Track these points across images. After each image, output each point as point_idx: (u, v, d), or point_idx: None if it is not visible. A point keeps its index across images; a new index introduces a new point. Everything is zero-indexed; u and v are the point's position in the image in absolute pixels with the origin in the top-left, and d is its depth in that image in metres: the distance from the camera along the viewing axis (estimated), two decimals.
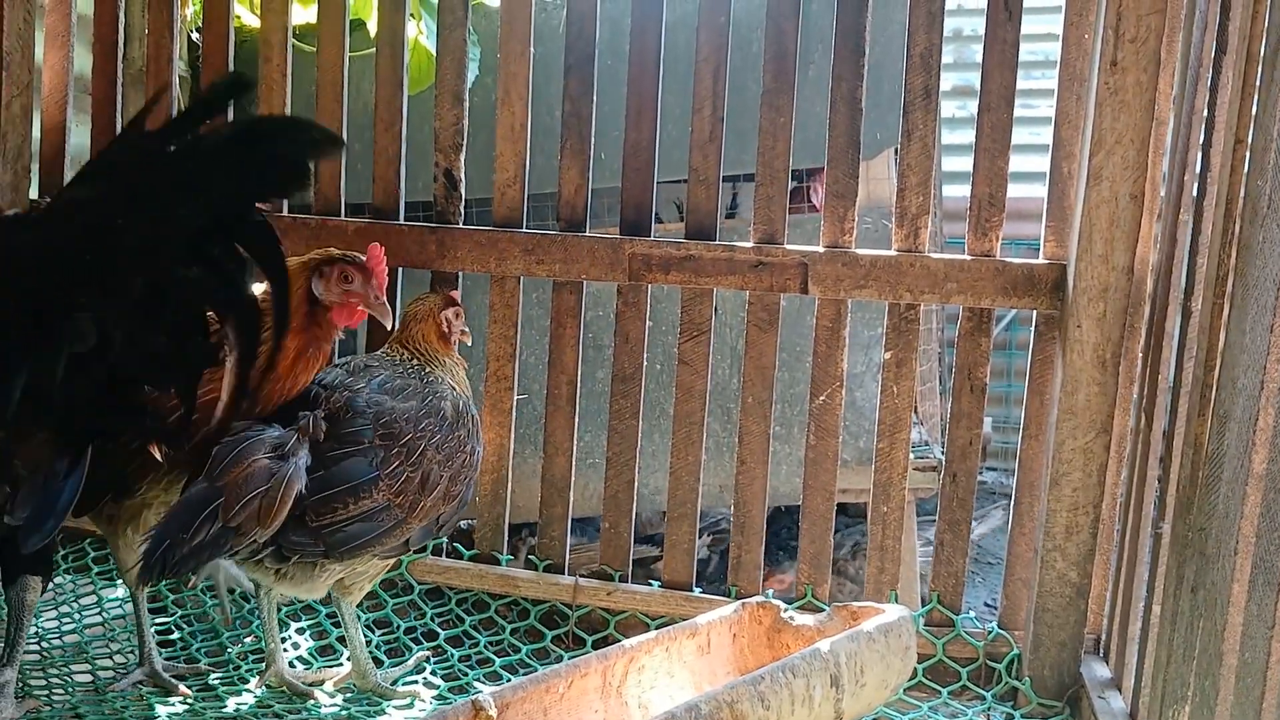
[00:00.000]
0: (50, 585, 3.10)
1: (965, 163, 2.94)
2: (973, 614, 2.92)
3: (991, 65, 2.75)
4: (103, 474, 2.34)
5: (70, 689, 2.61)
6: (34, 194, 3.36)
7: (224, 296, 1.92)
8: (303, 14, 3.77)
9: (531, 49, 3.03)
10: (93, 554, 3.23)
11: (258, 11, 3.38)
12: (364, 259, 2.43)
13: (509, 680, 2.69)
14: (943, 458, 3.14)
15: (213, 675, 2.71)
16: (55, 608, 3.04)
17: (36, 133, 3.38)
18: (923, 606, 2.92)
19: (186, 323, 1.95)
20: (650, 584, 3.04)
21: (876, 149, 4.22)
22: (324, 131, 2.01)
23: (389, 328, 2.57)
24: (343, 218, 3.20)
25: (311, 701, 2.60)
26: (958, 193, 5.43)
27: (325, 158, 2.34)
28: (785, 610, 2.53)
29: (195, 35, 4.16)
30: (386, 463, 2.40)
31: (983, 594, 6.09)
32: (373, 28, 3.42)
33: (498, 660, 2.87)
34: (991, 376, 2.89)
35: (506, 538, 3.16)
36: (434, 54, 3.29)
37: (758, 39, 2.96)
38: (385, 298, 2.47)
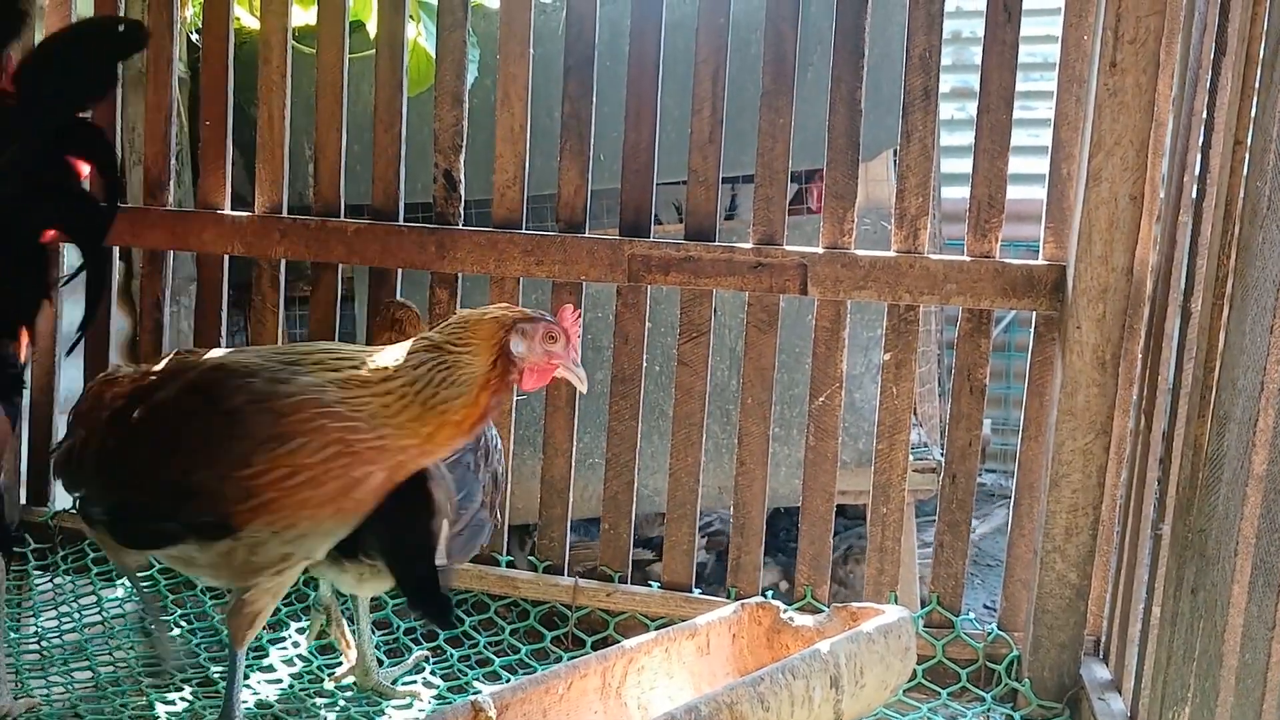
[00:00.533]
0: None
1: (964, 164, 2.94)
2: (972, 615, 2.92)
3: (991, 67, 2.76)
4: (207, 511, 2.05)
5: (70, 688, 2.61)
6: None
7: (63, 215, 1.89)
8: (302, 16, 3.77)
9: (531, 50, 3.04)
10: (92, 555, 3.23)
11: (257, 13, 3.38)
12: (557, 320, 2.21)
13: (508, 681, 2.69)
14: (942, 459, 3.14)
15: (214, 670, 2.71)
16: (55, 608, 3.04)
17: None
18: (922, 608, 2.92)
19: (23, 254, 1.91)
20: (649, 585, 3.04)
21: (876, 150, 4.23)
22: (128, 24, 1.99)
23: (583, 392, 2.36)
24: (342, 218, 3.20)
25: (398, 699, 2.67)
26: (957, 194, 5.43)
27: (137, 49, 2.26)
28: (785, 611, 2.53)
29: (195, 37, 4.17)
30: (476, 466, 2.47)
31: (982, 596, 6.09)
32: (372, 29, 3.42)
33: (497, 660, 2.87)
34: (991, 378, 2.89)
35: (506, 538, 3.16)
36: (433, 55, 3.29)
37: (757, 40, 2.97)
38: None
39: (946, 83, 7.05)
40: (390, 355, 2.09)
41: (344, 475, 2.00)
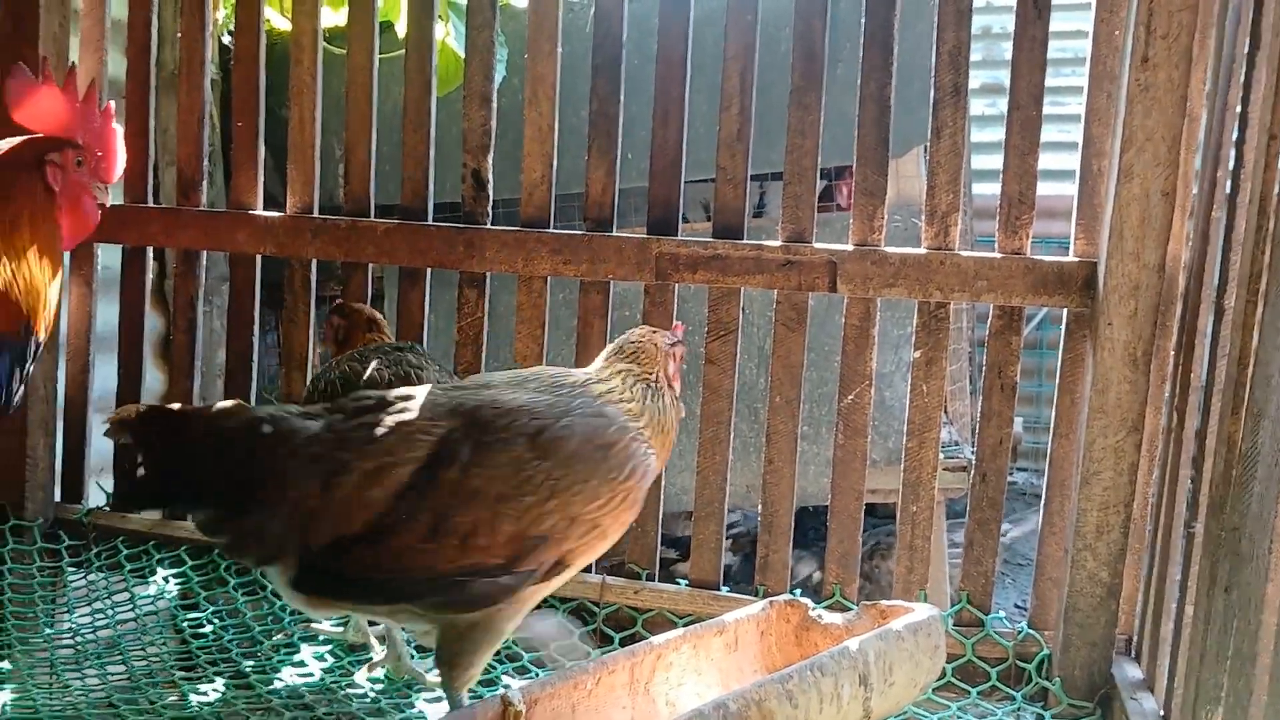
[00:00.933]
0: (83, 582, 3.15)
1: (995, 160, 2.92)
2: (1002, 614, 2.90)
3: (1020, 63, 2.74)
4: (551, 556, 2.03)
5: (106, 681, 2.64)
6: None
7: None
8: (331, 16, 3.79)
9: (559, 50, 3.04)
10: (125, 552, 3.26)
11: (288, 15, 3.41)
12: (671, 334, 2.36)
13: (537, 676, 2.70)
14: (973, 457, 3.13)
15: (245, 664, 2.74)
16: (89, 604, 3.08)
17: None
18: (952, 607, 2.91)
19: None
20: (676, 583, 3.04)
21: (906, 146, 4.21)
22: None
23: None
24: (373, 218, 3.22)
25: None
26: (988, 190, 5.42)
27: None
28: (813, 609, 2.52)
29: (226, 39, 4.20)
30: None
31: (1013, 595, 6.06)
32: (401, 29, 3.44)
33: (525, 656, 2.88)
34: (1022, 376, 2.87)
35: None
36: (461, 55, 3.30)
37: (786, 37, 2.96)
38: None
39: (976, 79, 7.01)
40: (612, 379, 2.21)
41: (644, 491, 2.15)
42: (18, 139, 2.32)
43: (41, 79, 2.37)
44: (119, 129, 2.44)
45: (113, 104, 2.48)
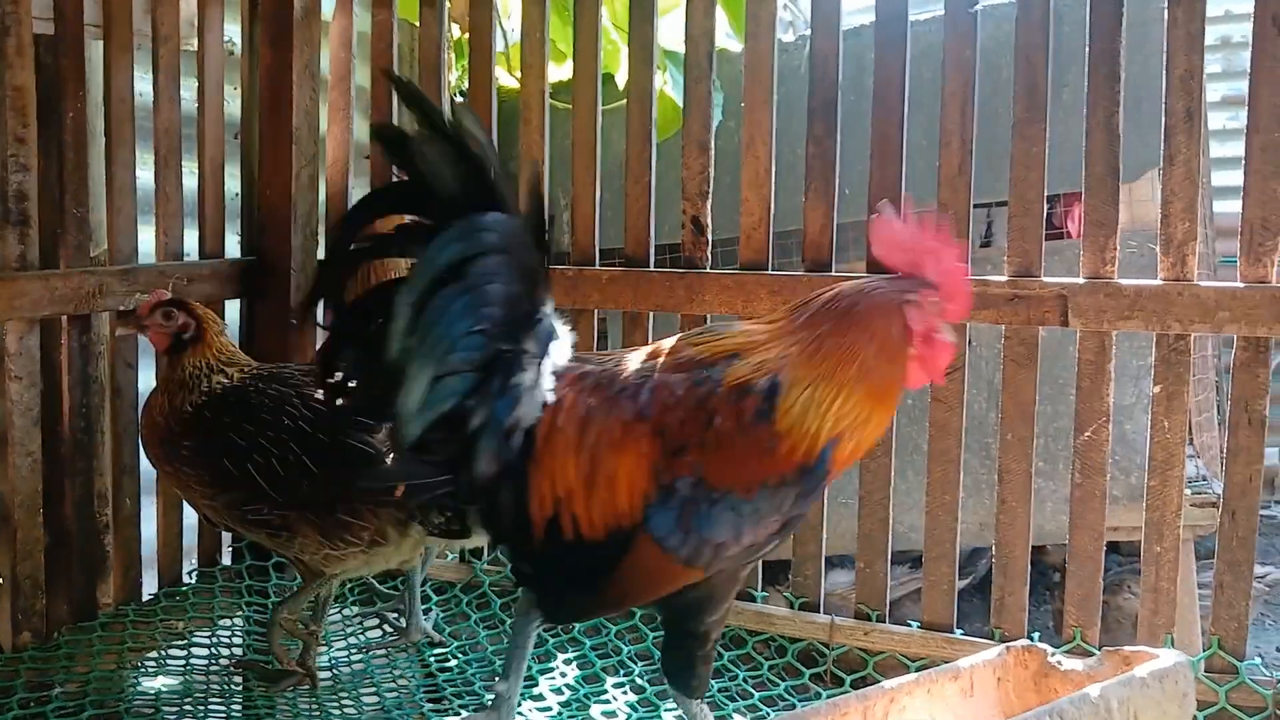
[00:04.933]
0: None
1: (1237, 177, 2.78)
2: (1259, 660, 2.73)
3: (1259, 83, 2.61)
4: None
5: (360, 708, 2.82)
6: (321, 255, 3.65)
7: None
8: (555, 72, 3.96)
9: (775, 96, 3.08)
10: (381, 589, 3.47)
11: (515, 74, 3.58)
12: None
13: (768, 715, 2.72)
14: (1221, 493, 2.97)
15: (487, 697, 2.86)
16: (344, 638, 3.28)
17: (322, 198, 3.69)
18: (1202, 652, 2.76)
19: None
20: (908, 625, 3.00)
21: (1139, 171, 4.04)
22: None
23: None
24: (597, 267, 3.33)
25: None
26: (1232, 209, 5.13)
27: None
28: (1052, 655, 2.45)
29: (459, 99, 4.44)
30: None
31: (1276, 638, 5.67)
32: (620, 80, 3.54)
33: (756, 694, 2.90)
34: (1276, 405, 2.71)
35: (760, 575, 3.20)
36: (679, 103, 3.38)
37: (1007, 64, 2.91)
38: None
39: (1216, 91, 6.65)
40: None
41: None
42: (881, 277, 2.21)
43: (902, 217, 2.20)
44: (964, 267, 2.23)
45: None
